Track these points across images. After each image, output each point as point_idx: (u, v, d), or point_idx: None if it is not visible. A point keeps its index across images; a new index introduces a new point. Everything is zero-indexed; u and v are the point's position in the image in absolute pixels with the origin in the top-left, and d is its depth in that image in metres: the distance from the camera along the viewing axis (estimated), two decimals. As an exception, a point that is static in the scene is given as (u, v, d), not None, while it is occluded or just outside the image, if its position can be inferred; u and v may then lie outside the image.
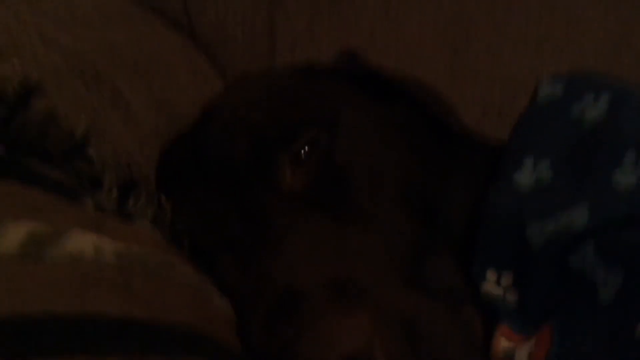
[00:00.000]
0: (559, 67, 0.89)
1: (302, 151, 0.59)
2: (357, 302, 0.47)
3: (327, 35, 0.99)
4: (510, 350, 0.48)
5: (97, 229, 0.40)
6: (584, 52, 0.95)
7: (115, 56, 0.68)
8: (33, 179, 0.40)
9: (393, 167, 0.61)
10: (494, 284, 0.54)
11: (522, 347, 0.49)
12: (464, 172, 0.64)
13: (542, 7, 0.95)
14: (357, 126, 0.63)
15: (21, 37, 0.54)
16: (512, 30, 0.96)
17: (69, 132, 0.46)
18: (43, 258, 0.36)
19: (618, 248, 0.48)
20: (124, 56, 0.70)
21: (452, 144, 0.67)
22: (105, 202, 0.46)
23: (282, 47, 1.01)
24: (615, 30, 0.94)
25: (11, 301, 0.33)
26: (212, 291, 0.49)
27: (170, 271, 0.43)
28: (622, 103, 0.60)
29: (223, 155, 0.60)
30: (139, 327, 0.37)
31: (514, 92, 0.92)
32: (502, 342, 0.49)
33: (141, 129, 0.65)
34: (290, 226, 0.55)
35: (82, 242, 0.38)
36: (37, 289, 0.34)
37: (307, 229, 0.55)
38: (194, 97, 0.78)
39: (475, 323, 0.53)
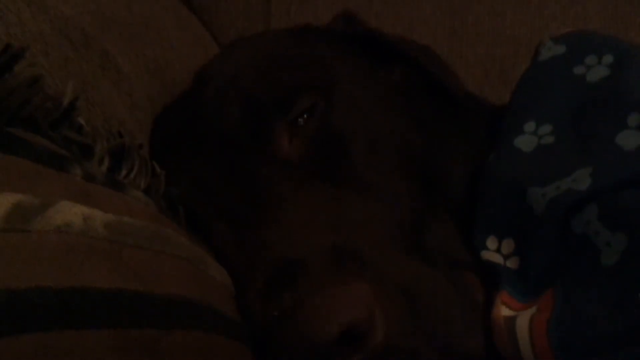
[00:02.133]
0: (562, 26, 0.88)
1: (299, 118, 0.58)
2: (356, 271, 0.46)
3: (323, -4, 0.97)
4: (512, 319, 0.48)
5: (86, 199, 0.39)
6: (586, 11, 0.93)
7: (105, 19, 0.66)
8: (18, 148, 0.39)
9: (392, 133, 0.60)
10: (495, 252, 0.53)
11: (524, 313, 0.49)
12: (464, 136, 0.63)
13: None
14: (355, 91, 0.62)
15: (5, 1, 0.53)
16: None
17: (55, 98, 0.45)
18: (29, 230, 0.35)
19: (621, 210, 0.48)
20: (114, 19, 0.68)
21: (452, 108, 0.66)
22: (95, 171, 0.44)
23: (278, 9, 0.99)
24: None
25: (-3, 275, 0.32)
26: (208, 262, 0.48)
27: (163, 243, 0.42)
28: (625, 63, 0.60)
29: (217, 122, 0.59)
30: (130, 299, 0.36)
31: (516, 52, 0.91)
32: (504, 311, 0.49)
33: (133, 95, 0.64)
34: (287, 194, 0.54)
35: (70, 213, 0.37)
36: (23, 262, 0.33)
37: (304, 197, 0.54)
38: (188, 61, 0.77)
39: (476, 290, 0.53)
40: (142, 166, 0.51)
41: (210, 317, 0.43)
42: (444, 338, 0.47)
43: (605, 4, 0.93)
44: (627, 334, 0.43)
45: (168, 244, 0.43)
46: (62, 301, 0.33)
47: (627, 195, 0.48)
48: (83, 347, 0.33)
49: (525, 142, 0.57)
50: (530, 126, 0.58)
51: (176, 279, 0.41)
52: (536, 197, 0.52)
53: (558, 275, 0.49)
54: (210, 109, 0.60)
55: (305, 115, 0.58)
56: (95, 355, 0.34)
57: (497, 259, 0.53)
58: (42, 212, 0.36)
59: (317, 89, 0.59)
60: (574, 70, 0.61)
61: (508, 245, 0.53)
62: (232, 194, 0.57)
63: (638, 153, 0.51)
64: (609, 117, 0.55)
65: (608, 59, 0.60)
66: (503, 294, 0.51)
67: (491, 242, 0.54)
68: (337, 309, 0.43)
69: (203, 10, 0.99)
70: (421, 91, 0.66)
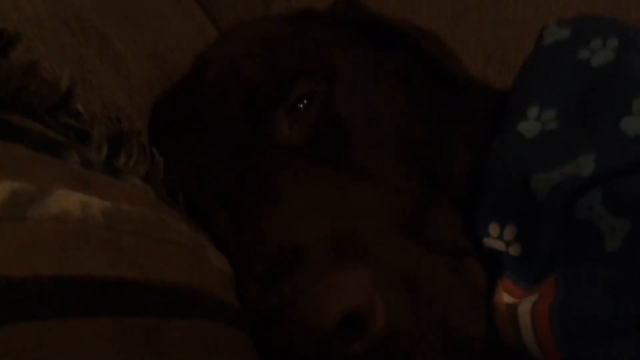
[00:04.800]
0: (565, 10, 0.87)
1: (299, 104, 0.57)
2: (357, 257, 0.46)
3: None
4: (514, 306, 0.48)
5: (84, 186, 0.39)
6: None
7: (103, 3, 0.66)
8: (14, 134, 0.38)
9: (392, 118, 0.60)
10: (497, 239, 0.53)
11: (526, 300, 0.48)
12: (466, 122, 0.63)
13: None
14: (356, 76, 0.61)
15: (1, -15, 0.52)
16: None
17: (52, 84, 0.44)
18: (27, 218, 0.34)
19: (625, 196, 0.48)
20: (112, 3, 0.68)
21: (455, 93, 0.65)
22: (93, 157, 0.44)
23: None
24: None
25: (-6, 263, 0.32)
26: (208, 249, 0.48)
27: (162, 230, 0.42)
28: (630, 47, 0.59)
29: (217, 108, 0.59)
30: (129, 287, 0.36)
31: (518, 37, 0.90)
32: (505, 298, 0.49)
33: (132, 80, 0.63)
34: (287, 181, 0.54)
35: (67, 201, 0.37)
36: (20, 250, 0.33)
37: (305, 183, 0.54)
38: (187, 46, 0.77)
39: (477, 277, 0.53)
40: (141, 153, 0.50)
41: (210, 305, 0.43)
42: (445, 325, 0.46)
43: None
44: (630, 321, 0.43)
45: (167, 232, 0.43)
46: (60, 289, 0.33)
47: (631, 181, 0.48)
48: (81, 336, 0.33)
49: (528, 127, 0.57)
50: (533, 111, 0.58)
51: (175, 266, 0.41)
52: (540, 183, 0.52)
53: (561, 262, 0.49)
54: (210, 95, 0.60)
55: (305, 101, 0.58)
56: (93, 343, 0.33)
57: (499, 245, 0.53)
58: (39, 199, 0.35)
59: (317, 74, 0.59)
60: (578, 54, 0.60)
61: (510, 232, 0.53)
62: (232, 181, 0.56)
63: (642, 139, 0.51)
64: (613, 103, 0.55)
65: (613, 42, 0.60)
66: (505, 280, 0.51)
67: (493, 229, 0.54)
68: (337, 296, 0.42)
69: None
70: (423, 76, 0.65)
